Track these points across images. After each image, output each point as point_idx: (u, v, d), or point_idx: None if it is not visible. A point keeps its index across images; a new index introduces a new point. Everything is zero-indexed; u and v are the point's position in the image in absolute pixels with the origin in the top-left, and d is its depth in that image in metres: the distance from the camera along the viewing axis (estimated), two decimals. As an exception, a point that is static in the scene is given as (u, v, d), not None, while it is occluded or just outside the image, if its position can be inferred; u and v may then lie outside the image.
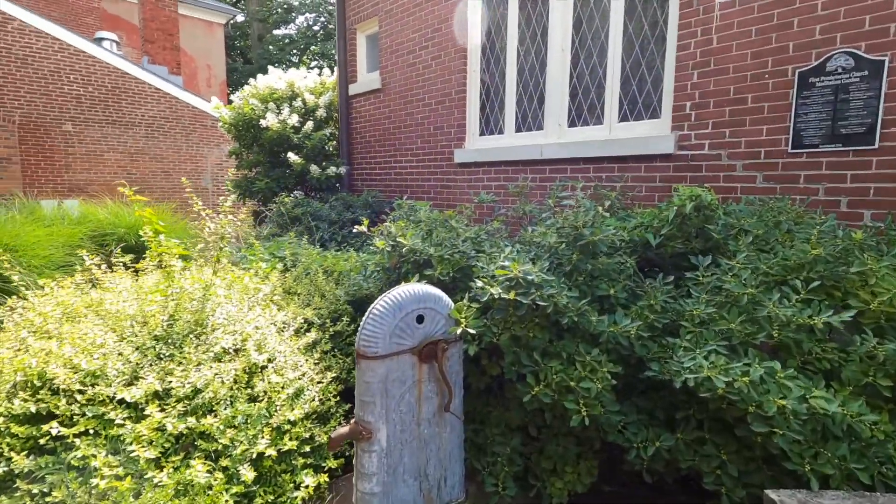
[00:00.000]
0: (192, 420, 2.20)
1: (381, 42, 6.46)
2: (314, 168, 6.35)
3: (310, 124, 6.62)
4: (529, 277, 2.08)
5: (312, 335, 2.89)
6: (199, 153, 12.08)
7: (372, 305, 2.08)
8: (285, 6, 25.80)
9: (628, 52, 4.09)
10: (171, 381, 2.27)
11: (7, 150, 9.49)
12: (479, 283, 2.19)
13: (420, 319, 2.12)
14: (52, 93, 9.95)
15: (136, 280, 3.15)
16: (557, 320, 2.16)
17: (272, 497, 2.25)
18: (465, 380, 2.57)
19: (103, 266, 3.12)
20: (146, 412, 2.13)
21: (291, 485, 2.31)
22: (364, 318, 2.06)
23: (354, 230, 2.94)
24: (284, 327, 2.97)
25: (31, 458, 2.04)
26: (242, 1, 25.87)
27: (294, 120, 6.45)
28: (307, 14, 25.91)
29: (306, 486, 2.24)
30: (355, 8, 6.88)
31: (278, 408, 2.42)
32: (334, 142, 7.31)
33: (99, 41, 11.31)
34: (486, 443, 2.44)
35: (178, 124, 11.64)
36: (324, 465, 2.44)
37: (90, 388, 2.17)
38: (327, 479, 2.38)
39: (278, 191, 6.49)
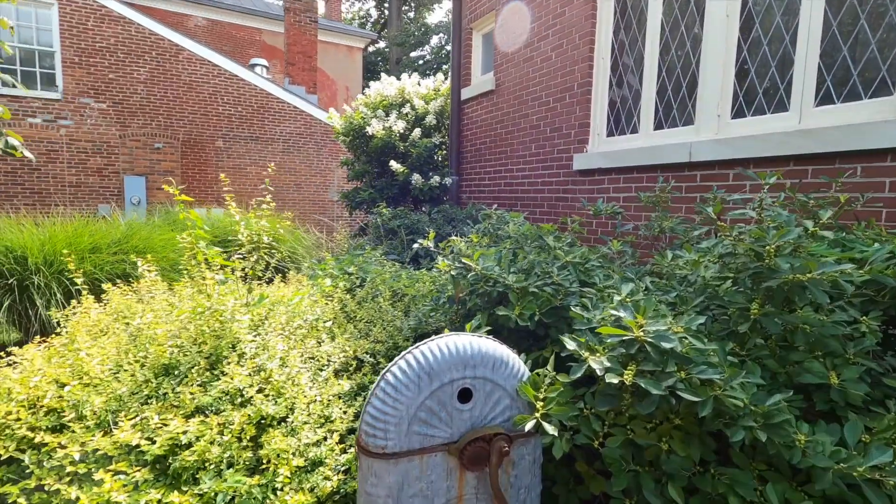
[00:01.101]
0: (156, 493, 1.61)
1: (496, 38, 5.77)
2: (416, 177, 5.84)
3: (417, 132, 6.16)
4: (666, 345, 1.11)
5: (349, 382, 2.19)
6: (327, 167, 12.62)
7: (386, 367, 1.29)
8: (422, 29, 26.85)
9: (834, 3, 2.79)
10: (143, 437, 1.72)
11: (172, 164, 10.78)
12: (571, 344, 1.27)
13: (465, 396, 1.27)
14: (209, 113, 11.12)
15: (192, 294, 2.79)
16: (720, 430, 1.15)
17: None
18: (548, 489, 1.64)
19: (154, 273, 2.81)
20: (100, 477, 1.59)
21: None
22: (372, 388, 1.28)
23: (415, 245, 2.20)
24: (326, 365, 2.33)
25: (-26, 513, 1.62)
26: (385, 28, 27.63)
27: (400, 126, 6.04)
28: (441, 34, 26.63)
29: None
30: (471, 6, 6.31)
31: (279, 487, 1.74)
32: (444, 151, 6.78)
33: (252, 66, 12.50)
34: None
35: (310, 140, 12.29)
36: (334, 580, 1.69)
37: (50, 432, 1.71)
38: None
39: (380, 201, 6.10)
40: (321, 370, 2.28)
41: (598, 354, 1.21)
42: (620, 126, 4.26)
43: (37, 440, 1.63)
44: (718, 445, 1.25)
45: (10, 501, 1.63)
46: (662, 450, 1.20)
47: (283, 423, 1.98)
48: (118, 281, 3.07)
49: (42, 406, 1.75)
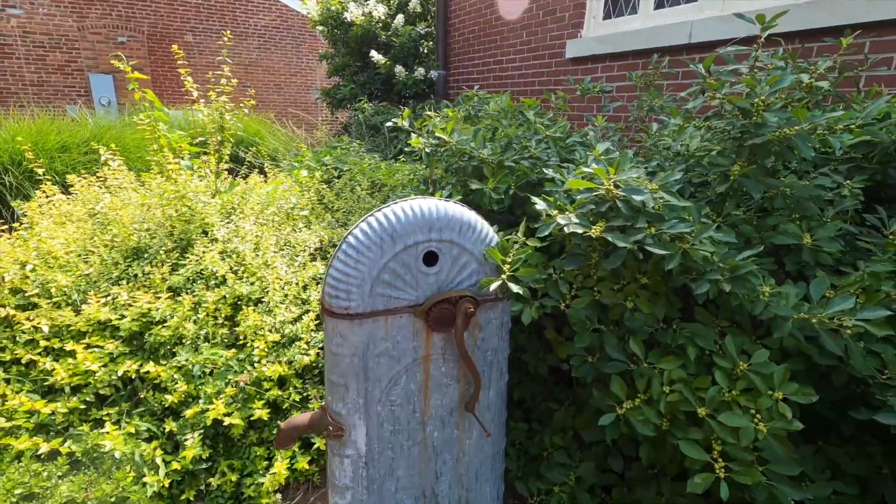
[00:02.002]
0: (131, 363, 1.64)
1: None
2: (399, 70, 5.47)
3: (400, 18, 5.66)
4: (638, 198, 1.05)
5: (323, 265, 2.17)
6: (308, 66, 11.83)
7: (349, 230, 1.24)
8: None
9: None
10: (113, 312, 1.71)
11: (139, 60, 10.01)
12: (541, 204, 1.21)
13: (431, 259, 1.24)
14: (174, 2, 10.13)
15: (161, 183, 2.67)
16: (686, 285, 1.13)
17: (236, 476, 1.66)
18: (517, 357, 1.68)
19: (116, 163, 2.67)
20: (76, 350, 1.60)
21: (265, 463, 1.70)
22: (333, 252, 1.23)
23: (389, 123, 2.06)
24: (302, 251, 2.29)
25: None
26: None
27: (381, 11, 5.53)
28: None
29: (273, 474, 1.60)
30: None
31: (257, 360, 1.77)
32: (430, 42, 6.29)
33: (217, -53, 11.16)
34: (542, 455, 1.57)
35: (288, 34, 11.38)
36: (314, 441, 1.79)
37: (14, 310, 1.69)
38: (308, 464, 1.73)
39: (363, 97, 5.77)
40: (297, 256, 2.25)
41: (567, 212, 1.15)
42: (619, 6, 3.91)
43: (2, 314, 1.61)
44: (683, 305, 1.25)
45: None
46: (627, 308, 1.19)
47: (259, 305, 1.98)
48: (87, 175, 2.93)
49: (4, 283, 1.71)
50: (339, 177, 3.07)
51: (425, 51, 6.25)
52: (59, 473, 1.33)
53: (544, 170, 1.39)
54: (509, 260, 1.25)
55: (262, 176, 3.34)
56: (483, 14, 5.41)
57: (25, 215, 2.47)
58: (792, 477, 1.03)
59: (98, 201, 2.37)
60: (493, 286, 1.21)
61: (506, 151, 1.76)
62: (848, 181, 1.35)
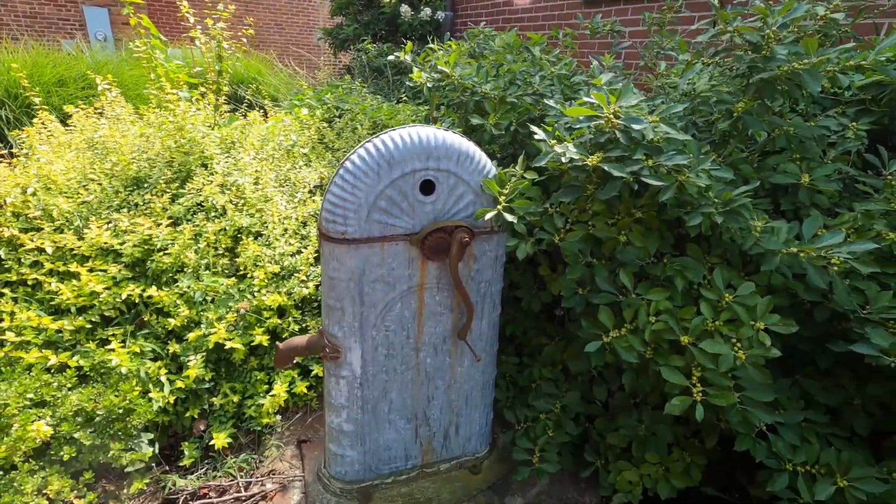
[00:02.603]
0: (134, 287, 1.68)
1: None
2: (405, 9, 5.26)
3: (407, -48, 5.37)
4: (637, 127, 1.04)
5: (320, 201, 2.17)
6: (310, 5, 11.33)
7: (346, 156, 1.23)
8: None
9: None
10: (114, 237, 1.74)
11: (135, -6, 9.59)
12: (540, 134, 1.20)
13: (427, 188, 1.24)
14: (170, -71, 9.60)
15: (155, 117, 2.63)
16: (680, 219, 1.14)
17: (238, 397, 1.74)
18: (510, 291, 1.71)
19: (114, 93, 2.62)
20: (80, 272, 1.64)
21: (265, 386, 1.78)
22: (331, 177, 1.23)
23: (391, 57, 2.01)
24: (303, 188, 2.29)
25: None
26: None
27: (387, -55, 5.25)
28: None
29: (273, 395, 1.68)
30: None
31: (257, 289, 1.81)
32: (438, -20, 6.00)
33: None
34: (531, 387, 1.64)
35: (290, -31, 10.84)
36: (312, 368, 1.86)
37: (21, 232, 1.71)
38: (310, 390, 1.80)
39: (367, 38, 5.57)
40: (296, 193, 2.25)
41: (566, 142, 1.15)
42: (637, -57, 3.70)
43: (6, 235, 1.64)
44: (676, 241, 1.26)
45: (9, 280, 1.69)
46: (620, 242, 1.20)
47: (259, 238, 2.00)
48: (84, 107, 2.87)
49: (6, 206, 1.73)
50: (340, 116, 3.02)
51: (432, -11, 5.98)
52: (69, 385, 1.40)
53: (546, 101, 1.37)
54: (506, 191, 1.26)
55: (262, 115, 3.28)
56: (494, -50, 5.14)
57: (23, 142, 2.45)
58: (766, 403, 1.08)
59: (96, 130, 2.35)
60: (489, 216, 1.22)
61: (509, 87, 1.72)
62: (854, 123, 1.33)
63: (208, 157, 2.19)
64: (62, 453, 1.29)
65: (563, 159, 1.12)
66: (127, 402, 1.39)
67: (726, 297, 1.08)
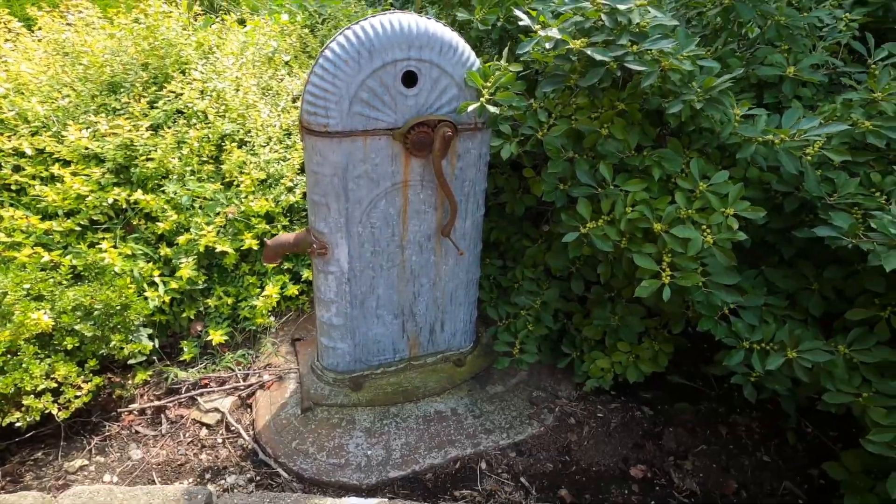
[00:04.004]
0: (123, 192, 1.68)
1: None
2: None
3: None
4: (622, 7, 1.01)
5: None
6: None
7: (325, 45, 1.20)
8: None
9: None
10: (93, 140, 1.71)
11: None
12: (524, 19, 1.17)
13: (410, 79, 1.22)
14: None
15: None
16: (661, 110, 1.14)
17: (232, 300, 1.80)
18: (495, 197, 1.74)
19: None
20: (63, 175, 1.63)
21: (258, 290, 1.84)
22: (311, 67, 1.20)
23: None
24: (287, 95, 2.23)
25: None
26: None
27: None
28: None
29: (266, 296, 1.74)
30: None
31: (244, 196, 1.82)
32: None
33: None
34: (513, 287, 1.71)
35: None
36: (302, 273, 1.91)
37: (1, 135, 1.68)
38: (299, 292, 1.87)
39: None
40: (279, 102, 2.19)
41: (550, 27, 1.12)
42: None
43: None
44: (657, 137, 1.27)
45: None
46: (602, 135, 1.21)
47: (243, 146, 1.98)
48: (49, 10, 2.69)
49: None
50: (323, 23, 2.86)
51: None
52: (64, 282, 1.44)
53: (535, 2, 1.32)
54: (489, 84, 1.24)
55: (234, 17, 3.09)
56: None
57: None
58: (730, 287, 1.15)
59: (60, 33, 2.23)
60: (472, 108, 1.21)
61: (497, -20, 1.63)
62: (847, 14, 1.30)
63: (185, 62, 2.10)
64: (65, 343, 1.36)
65: (548, 45, 1.09)
66: (123, 298, 1.44)
67: (701, 185, 1.11)
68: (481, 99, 1.22)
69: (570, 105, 1.27)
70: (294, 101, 2.21)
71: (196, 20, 2.49)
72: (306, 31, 2.71)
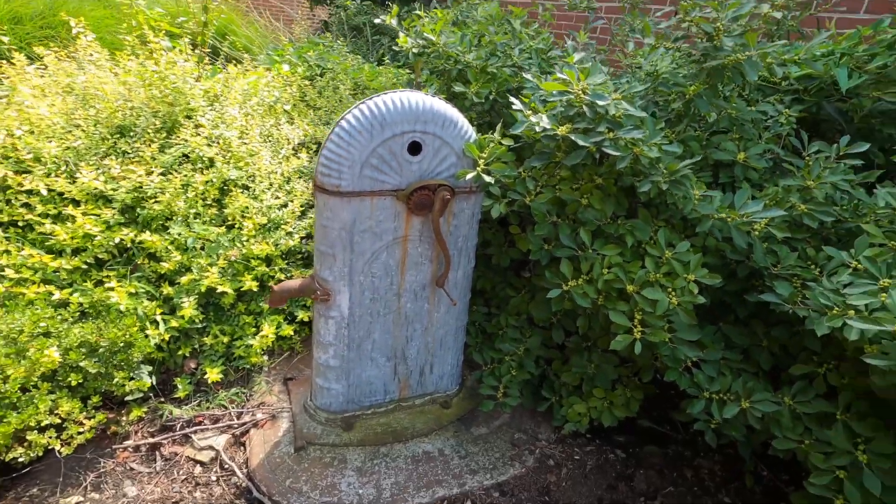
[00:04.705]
0: (130, 232, 1.76)
1: None
2: (386, -34, 5.16)
3: None
4: (601, 102, 1.20)
5: (307, 155, 2.27)
6: (283, -48, 10.80)
7: (341, 116, 1.35)
8: None
9: None
10: (107, 183, 1.79)
11: (91, -75, 8.90)
12: (517, 104, 1.34)
13: (415, 149, 1.37)
14: None
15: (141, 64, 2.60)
16: (633, 186, 1.32)
17: (227, 338, 1.87)
18: (482, 249, 1.88)
19: (89, 36, 2.57)
20: (74, 214, 1.70)
21: (253, 329, 1.91)
22: (327, 135, 1.35)
23: (377, 20, 2.08)
24: (287, 144, 2.37)
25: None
26: None
27: None
28: None
29: (263, 336, 1.82)
30: None
31: (245, 239, 1.92)
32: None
33: None
34: (497, 333, 1.83)
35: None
36: (297, 314, 2.00)
37: (15, 174, 1.75)
38: (296, 333, 1.95)
39: (345, -6, 5.45)
40: (280, 149, 2.33)
41: (539, 112, 1.30)
42: (618, -83, 3.77)
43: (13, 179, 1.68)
44: (629, 206, 1.45)
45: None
46: (582, 204, 1.38)
47: (246, 190, 2.09)
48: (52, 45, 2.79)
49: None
50: (321, 75, 3.05)
51: (414, -53, 5.86)
52: (71, 319, 1.49)
53: (524, 74, 1.51)
54: (485, 155, 1.41)
55: (240, 68, 3.26)
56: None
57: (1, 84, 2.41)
58: (691, 343, 1.31)
59: (70, 76, 2.33)
60: (469, 176, 1.37)
61: (490, 58, 1.84)
62: (787, 110, 1.53)
63: (193, 109, 2.22)
64: (69, 379, 1.40)
65: (537, 128, 1.27)
66: (128, 335, 1.50)
67: (667, 253, 1.28)
68: (478, 168, 1.39)
69: (554, 176, 1.44)
70: (294, 150, 2.34)
71: (204, 68, 2.64)
72: (306, 82, 2.89)
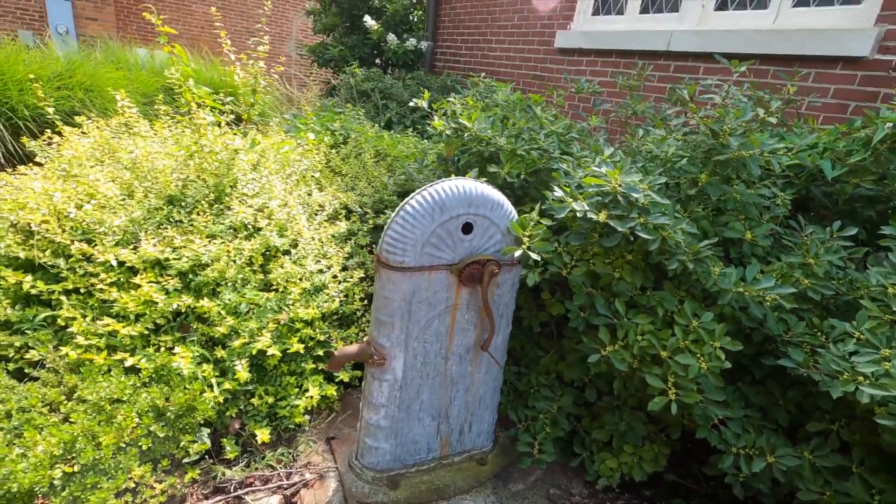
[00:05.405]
0: (186, 298, 1.88)
1: None
2: (391, 38, 5.58)
3: (394, -15, 5.72)
4: (635, 195, 1.41)
5: (343, 224, 2.44)
6: (284, 16, 11.44)
7: (405, 200, 1.53)
8: None
9: None
10: (171, 252, 1.93)
11: (102, -11, 9.37)
12: (558, 192, 1.55)
13: (467, 229, 1.55)
14: (143, -71, 9.48)
15: (174, 133, 2.79)
16: (660, 263, 1.51)
17: (272, 399, 1.96)
18: (515, 313, 2.04)
19: (135, 109, 2.76)
20: (137, 282, 1.82)
21: (296, 389, 2.01)
22: (392, 216, 1.52)
23: (411, 104, 2.32)
24: (319, 210, 2.54)
25: (17, 307, 1.83)
26: None
27: (377, -23, 5.57)
28: None
29: (309, 396, 1.92)
30: None
31: (291, 303, 2.05)
32: (420, 11, 6.39)
33: None
34: (529, 392, 1.96)
35: (265, -20, 10.92)
36: (337, 375, 2.10)
37: (83, 243, 1.87)
38: (336, 392, 2.05)
39: (351, 60, 5.84)
40: (315, 214, 2.50)
41: (579, 200, 1.50)
42: (607, 6, 4.22)
43: (73, 249, 1.80)
44: (657, 274, 1.64)
45: (51, 300, 1.83)
46: (614, 277, 1.57)
47: (286, 255, 2.24)
48: (79, 116, 2.96)
49: (67, 220, 1.88)
50: (344, 143, 3.28)
51: (414, 19, 6.35)
52: (139, 384, 1.58)
53: (558, 165, 1.72)
54: (528, 234, 1.59)
55: (259, 132, 3.46)
56: (477, -8, 5.57)
57: (49, 153, 2.55)
58: (718, 402, 1.47)
59: (114, 148, 2.49)
60: (517, 254, 1.55)
61: (517, 141, 2.07)
62: (781, 193, 1.77)
63: (237, 179, 2.40)
64: (140, 443, 1.48)
65: (578, 214, 1.47)
66: (193, 399, 1.59)
67: (694, 322, 1.46)
68: (523, 247, 1.57)
69: (587, 251, 1.63)
70: (328, 217, 2.51)
71: (245, 138, 2.83)
72: (331, 149, 3.10)
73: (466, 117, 2.06)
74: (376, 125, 3.82)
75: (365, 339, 1.72)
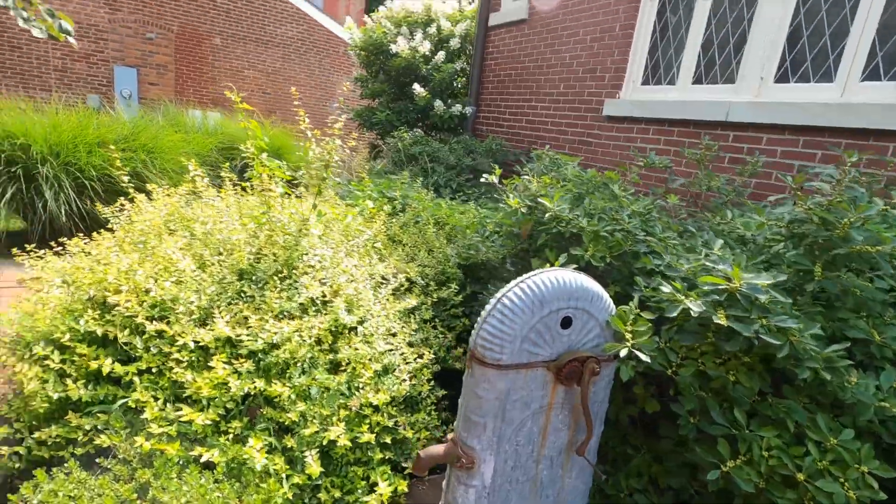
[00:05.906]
0: (260, 382, 1.80)
1: (536, -39, 5.48)
2: (438, 104, 5.75)
3: (441, 55, 5.97)
4: (762, 297, 1.30)
5: (412, 300, 2.37)
6: (329, 80, 12.09)
7: (502, 292, 1.45)
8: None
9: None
10: (243, 332, 1.88)
11: (165, 58, 10.13)
12: (666, 288, 1.45)
13: (566, 323, 1.46)
14: (205, 5, 10.32)
15: (238, 200, 2.83)
16: (785, 369, 1.37)
17: (339, 493, 1.82)
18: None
19: (205, 179, 2.83)
20: (211, 364, 1.76)
21: (363, 482, 1.87)
22: (488, 310, 1.44)
23: (483, 179, 2.30)
24: (383, 283, 2.49)
25: (89, 386, 1.79)
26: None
27: (426, 48, 5.83)
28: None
29: (379, 494, 1.77)
30: (512, -81, 5.90)
31: (361, 386, 1.95)
32: (464, 78, 6.62)
33: (252, -43, 11.46)
34: (619, 496, 1.78)
35: (312, 48, 11.65)
36: (404, 464, 1.96)
37: (157, 321, 1.84)
38: (406, 486, 1.90)
39: (398, 125, 6.02)
40: (379, 287, 2.44)
41: (691, 298, 1.39)
42: (658, 75, 4.26)
43: (150, 329, 1.77)
44: (774, 378, 1.49)
45: (123, 379, 1.79)
46: (730, 381, 1.43)
47: (353, 332, 2.16)
48: (148, 184, 3.06)
49: (147, 297, 1.87)
50: (402, 211, 3.28)
51: (458, 85, 6.57)
52: (212, 481, 1.49)
53: (643, 247, 1.63)
54: (630, 329, 1.48)
55: (332, 206, 3.48)
56: (521, 60, 5.75)
57: (108, 220, 2.61)
58: (866, 536, 1.27)
59: (183, 217, 2.53)
60: (623, 352, 1.43)
61: (599, 222, 2.00)
62: (902, 287, 1.62)
63: (305, 253, 2.38)
64: (211, 552, 1.36)
65: (693, 313, 1.36)
66: (268, 500, 1.48)
67: (831, 440, 1.30)
68: (627, 344, 1.45)
69: (694, 349, 1.51)
70: (393, 291, 2.45)
71: (315, 208, 2.86)
72: (392, 219, 3.10)
73: (545, 196, 2.01)
74: (430, 191, 3.84)
75: (451, 436, 1.59)
